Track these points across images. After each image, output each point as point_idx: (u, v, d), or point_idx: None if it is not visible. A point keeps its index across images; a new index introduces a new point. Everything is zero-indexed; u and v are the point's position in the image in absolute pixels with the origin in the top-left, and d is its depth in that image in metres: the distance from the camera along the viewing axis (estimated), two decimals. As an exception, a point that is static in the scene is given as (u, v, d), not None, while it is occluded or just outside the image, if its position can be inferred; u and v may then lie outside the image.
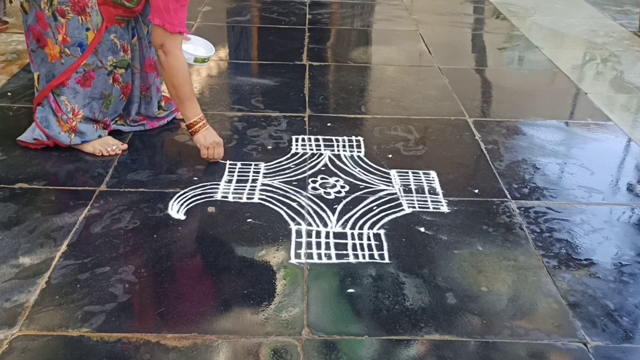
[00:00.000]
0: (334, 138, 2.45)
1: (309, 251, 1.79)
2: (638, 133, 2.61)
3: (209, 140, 2.16)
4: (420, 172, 2.23)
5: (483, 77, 3.25)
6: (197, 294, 1.61)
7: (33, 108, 2.22)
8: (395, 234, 1.87)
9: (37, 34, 2.09)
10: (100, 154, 2.23)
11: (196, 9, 4.04)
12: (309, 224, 1.90)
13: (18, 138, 2.25)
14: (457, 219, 1.97)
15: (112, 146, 2.26)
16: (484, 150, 2.41)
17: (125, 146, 2.30)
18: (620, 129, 2.64)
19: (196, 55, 2.23)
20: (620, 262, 1.81)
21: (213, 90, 2.82)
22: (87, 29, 2.07)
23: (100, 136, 2.26)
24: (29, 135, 2.24)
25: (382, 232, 1.88)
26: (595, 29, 4.05)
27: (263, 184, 2.11)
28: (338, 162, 2.27)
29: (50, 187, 2.03)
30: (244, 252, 1.77)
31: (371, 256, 1.77)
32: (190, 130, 2.16)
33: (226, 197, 2.03)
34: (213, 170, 2.17)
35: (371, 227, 1.90)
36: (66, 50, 2.07)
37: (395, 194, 2.08)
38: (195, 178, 2.12)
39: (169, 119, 2.50)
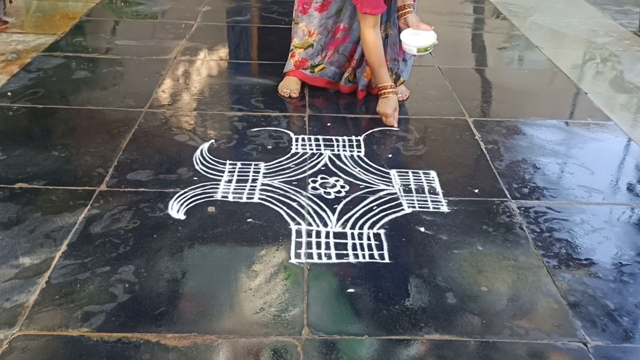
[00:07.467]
0: (334, 138, 2.45)
1: (309, 251, 1.79)
2: (638, 133, 2.61)
3: (382, 109, 2.58)
4: (420, 172, 2.23)
5: (483, 76, 3.25)
6: (197, 294, 1.61)
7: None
8: (395, 233, 1.87)
9: None
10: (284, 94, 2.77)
11: (196, 9, 4.04)
12: (309, 224, 1.90)
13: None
14: (457, 218, 1.97)
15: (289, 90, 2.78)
16: (484, 150, 2.41)
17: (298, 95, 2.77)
18: (620, 128, 2.64)
19: (418, 46, 2.50)
20: (620, 262, 1.81)
21: (213, 90, 2.82)
22: None
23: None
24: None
25: (382, 232, 1.88)
26: (596, 28, 4.05)
27: (263, 184, 2.11)
28: (338, 162, 2.27)
29: (50, 187, 2.03)
30: (244, 252, 1.77)
31: (371, 256, 1.77)
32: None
33: (226, 197, 2.03)
34: (213, 170, 2.17)
35: (371, 227, 1.90)
36: None
37: (395, 193, 2.08)
38: (195, 178, 2.13)
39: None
